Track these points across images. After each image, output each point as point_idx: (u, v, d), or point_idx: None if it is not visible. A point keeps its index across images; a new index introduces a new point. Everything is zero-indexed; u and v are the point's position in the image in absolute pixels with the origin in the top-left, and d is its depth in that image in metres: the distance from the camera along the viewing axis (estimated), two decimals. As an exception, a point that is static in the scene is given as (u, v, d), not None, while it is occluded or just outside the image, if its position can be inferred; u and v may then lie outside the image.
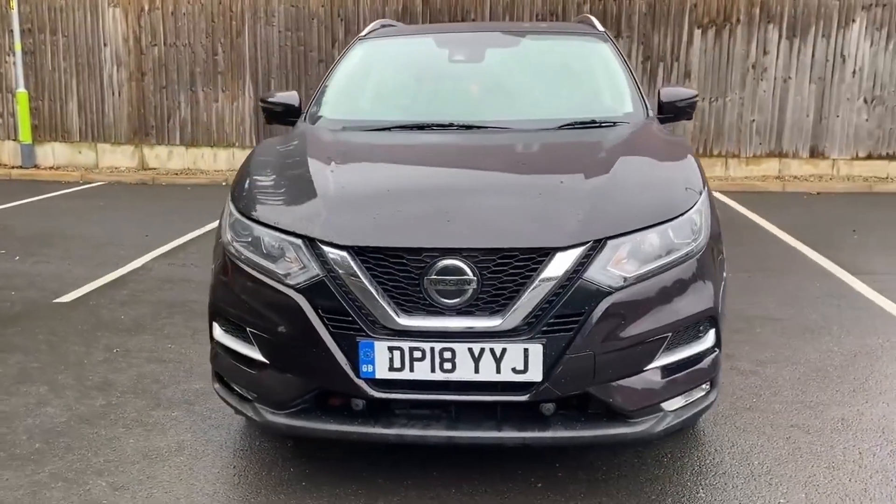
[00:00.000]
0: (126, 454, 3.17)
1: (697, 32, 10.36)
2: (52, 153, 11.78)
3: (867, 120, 10.31)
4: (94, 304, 5.19)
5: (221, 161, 11.40)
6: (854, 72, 10.24)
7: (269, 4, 10.93)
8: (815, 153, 10.44)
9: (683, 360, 2.64)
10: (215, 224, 7.73)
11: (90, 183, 10.91)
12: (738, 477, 2.95)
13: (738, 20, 10.28)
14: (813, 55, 10.25)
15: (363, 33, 4.50)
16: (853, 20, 10.13)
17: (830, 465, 3.03)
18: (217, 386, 2.97)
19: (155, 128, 11.45)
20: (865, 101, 10.28)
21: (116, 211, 8.75)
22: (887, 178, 10.32)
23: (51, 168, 11.67)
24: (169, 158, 11.52)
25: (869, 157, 10.39)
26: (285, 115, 4.02)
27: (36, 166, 11.71)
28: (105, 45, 11.35)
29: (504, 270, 2.48)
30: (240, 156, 11.32)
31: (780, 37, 10.26)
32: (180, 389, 3.80)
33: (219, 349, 2.90)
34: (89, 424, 3.44)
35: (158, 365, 4.12)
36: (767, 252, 6.53)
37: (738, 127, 10.50)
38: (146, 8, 11.16)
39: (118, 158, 11.63)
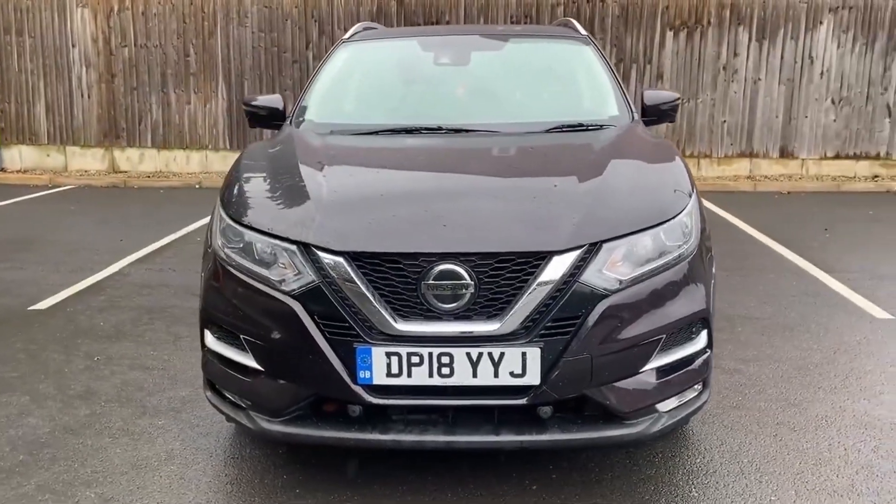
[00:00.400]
0: (114, 464, 3.12)
1: (669, 34, 10.49)
2: (20, 156, 11.54)
3: (835, 120, 10.52)
4: (71, 311, 5.10)
5: (194, 163, 11.27)
6: (822, 73, 10.44)
7: (242, 5, 10.83)
8: (784, 153, 10.63)
9: (677, 361, 2.67)
10: (191, 228, 7.70)
11: (59, 186, 10.72)
12: (729, 475, 2.99)
13: (708, 22, 10.43)
14: (782, 57, 10.43)
15: (346, 36, 4.49)
16: (821, 22, 10.33)
17: (817, 462, 3.09)
18: (209, 394, 2.93)
19: (126, 130, 11.28)
20: (833, 101, 10.49)
21: (88, 215, 8.60)
22: (855, 177, 10.54)
23: (18, 171, 11.43)
24: (140, 161, 11.35)
25: (837, 156, 10.60)
26: (270, 119, 3.99)
27: (2, 170, 11.47)
28: (73, 46, 11.15)
29: (501, 274, 2.49)
30: (213, 158, 11.21)
31: (749, 39, 10.43)
32: (166, 397, 3.75)
33: (211, 356, 2.86)
34: (74, 434, 3.38)
35: (142, 372, 4.06)
36: (743, 251, 6.63)
37: (709, 128, 10.64)
38: (115, 8, 10.99)
39: (88, 161, 11.43)
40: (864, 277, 5.73)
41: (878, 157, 10.58)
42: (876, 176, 10.55)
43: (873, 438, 3.28)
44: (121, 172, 11.31)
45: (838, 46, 10.37)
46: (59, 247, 6.93)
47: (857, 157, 10.60)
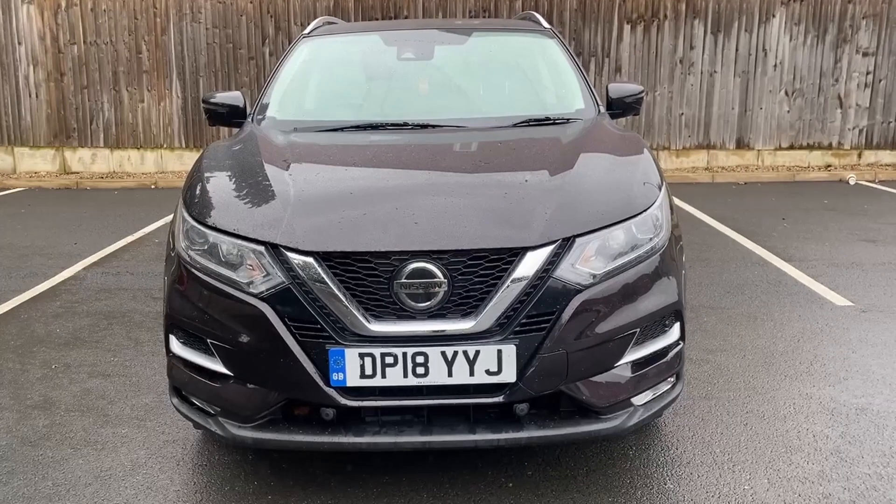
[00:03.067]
0: (76, 476, 3.01)
1: (627, 28, 10.57)
2: (-35, 158, 11.16)
3: (788, 111, 10.72)
4: (25, 318, 4.92)
5: (149, 163, 11.01)
6: (775, 65, 10.63)
7: (195, 1, 10.60)
8: (741, 144, 10.80)
9: (651, 354, 2.67)
10: (149, 229, 7.52)
11: (7, 189, 10.37)
12: (703, 466, 3.01)
13: (665, 16, 10.53)
14: (737, 49, 10.59)
15: (307, 31, 4.40)
16: (773, 15, 10.51)
17: (788, 449, 3.12)
18: (175, 400, 2.84)
19: (77, 130, 10.96)
20: (787, 93, 10.68)
21: (40, 218, 8.34)
22: (808, 167, 10.76)
23: (-36, 174, 11.05)
24: (93, 162, 11.05)
25: (791, 147, 10.81)
26: (230, 117, 3.89)
27: (-53, 173, 11.07)
28: (19, 43, 10.79)
29: (474, 272, 2.46)
30: (168, 157, 10.97)
31: (705, 32, 10.56)
32: (129, 405, 3.64)
33: (176, 362, 2.77)
34: (33, 446, 3.25)
35: (102, 380, 3.94)
36: (705, 242, 6.71)
37: (667, 120, 10.76)
38: (63, 5, 10.66)
39: (38, 163, 11.09)
40: (822, 266, 5.84)
41: (830, 146, 10.82)
42: (829, 165, 10.78)
43: (840, 424, 3.33)
44: (73, 174, 11.01)
45: (791, 39, 10.56)
46: (9, 251, 6.70)
47: (810, 147, 10.82)
